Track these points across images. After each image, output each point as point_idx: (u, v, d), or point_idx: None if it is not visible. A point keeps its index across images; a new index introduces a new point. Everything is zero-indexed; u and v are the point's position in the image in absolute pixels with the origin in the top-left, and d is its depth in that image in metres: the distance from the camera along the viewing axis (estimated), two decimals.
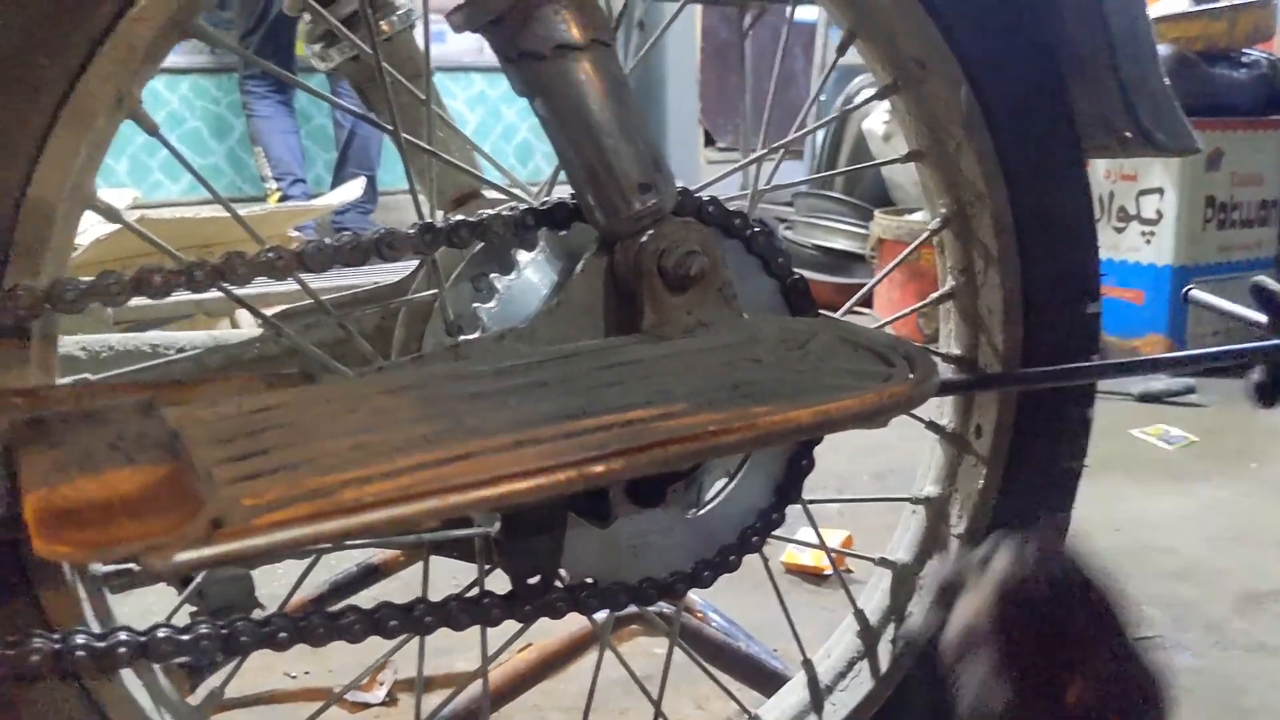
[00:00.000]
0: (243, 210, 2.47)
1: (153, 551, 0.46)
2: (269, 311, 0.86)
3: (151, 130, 0.77)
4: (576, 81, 0.70)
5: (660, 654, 1.63)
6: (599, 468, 0.57)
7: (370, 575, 1.62)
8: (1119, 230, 3.19)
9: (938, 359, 1.02)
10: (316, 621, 0.72)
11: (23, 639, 0.62)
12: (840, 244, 3.78)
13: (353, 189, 3.06)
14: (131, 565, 0.67)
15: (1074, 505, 1.09)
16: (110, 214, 0.77)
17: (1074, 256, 1.05)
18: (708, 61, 5.86)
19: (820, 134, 4.25)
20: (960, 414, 1.08)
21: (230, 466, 0.56)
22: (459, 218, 0.75)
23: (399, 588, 1.55)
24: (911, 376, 0.67)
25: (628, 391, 0.65)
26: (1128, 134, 1.04)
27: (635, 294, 0.73)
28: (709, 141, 5.92)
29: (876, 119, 3.68)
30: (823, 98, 4.49)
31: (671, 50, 5.38)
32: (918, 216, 3.40)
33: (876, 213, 3.54)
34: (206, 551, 0.48)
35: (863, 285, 1.13)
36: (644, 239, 0.72)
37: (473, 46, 5.23)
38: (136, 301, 0.70)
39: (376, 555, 1.58)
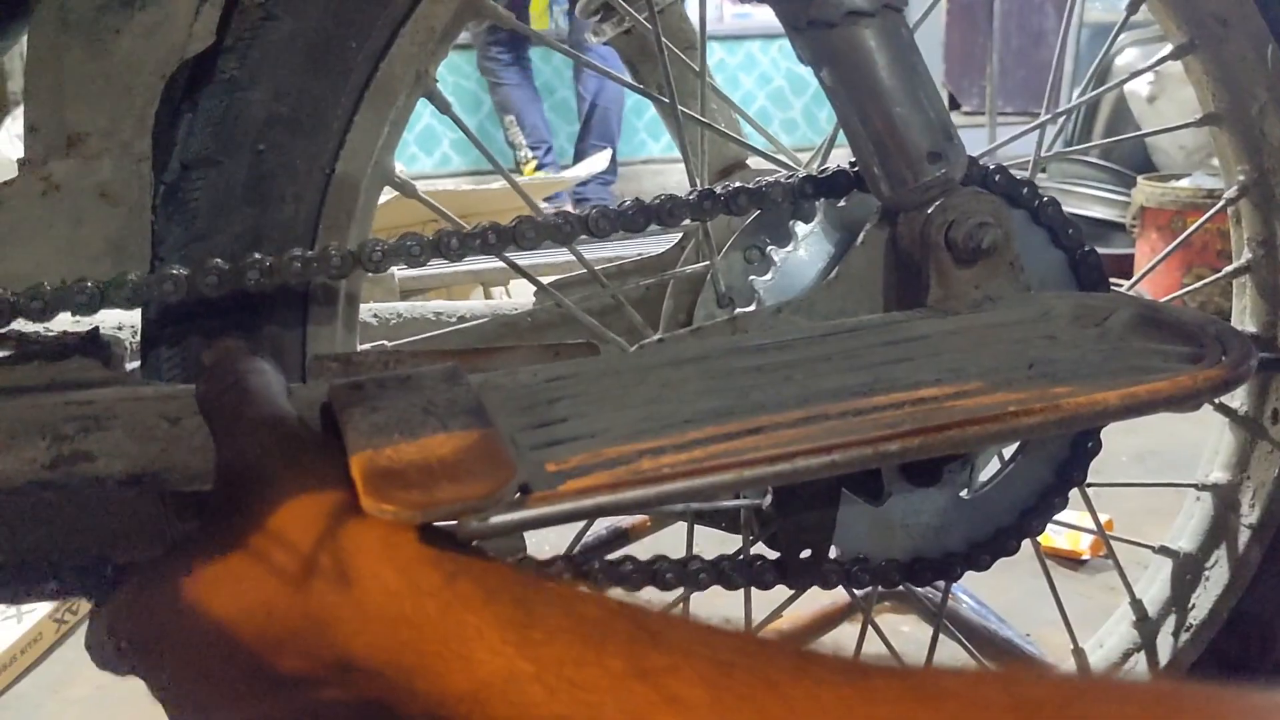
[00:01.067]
0: (494, 183, 2.57)
1: (471, 513, 0.48)
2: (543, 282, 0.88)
3: (444, 109, 0.80)
4: (866, 48, 0.68)
5: (907, 631, 1.60)
6: (894, 446, 0.55)
7: (619, 539, 1.66)
8: None
9: None
10: (598, 568, 0.74)
11: None
12: (1097, 212, 3.58)
13: (599, 160, 3.13)
14: None
15: None
16: (406, 189, 0.81)
17: None
18: (953, 22, 5.65)
19: (1075, 96, 4.03)
20: (1255, 396, 1.01)
21: (531, 433, 0.57)
22: (738, 184, 0.75)
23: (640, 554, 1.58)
24: (1226, 358, 0.62)
25: (917, 368, 0.63)
26: None
27: (920, 267, 0.71)
28: (953, 105, 5.72)
29: (1140, 79, 3.45)
30: (1074, 57, 4.26)
31: (915, 10, 5.22)
32: (1185, 183, 3.17)
33: (1139, 179, 3.33)
34: (518, 515, 0.50)
35: (1123, 255, 1.07)
36: (931, 210, 0.70)
37: (712, 15, 5.22)
38: (434, 263, 0.73)
39: (626, 520, 1.62)
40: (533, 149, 4.37)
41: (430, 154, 5.03)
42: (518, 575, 0.48)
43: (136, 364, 0.73)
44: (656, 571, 0.73)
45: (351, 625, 0.47)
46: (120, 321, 0.90)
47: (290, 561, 0.49)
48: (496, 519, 0.49)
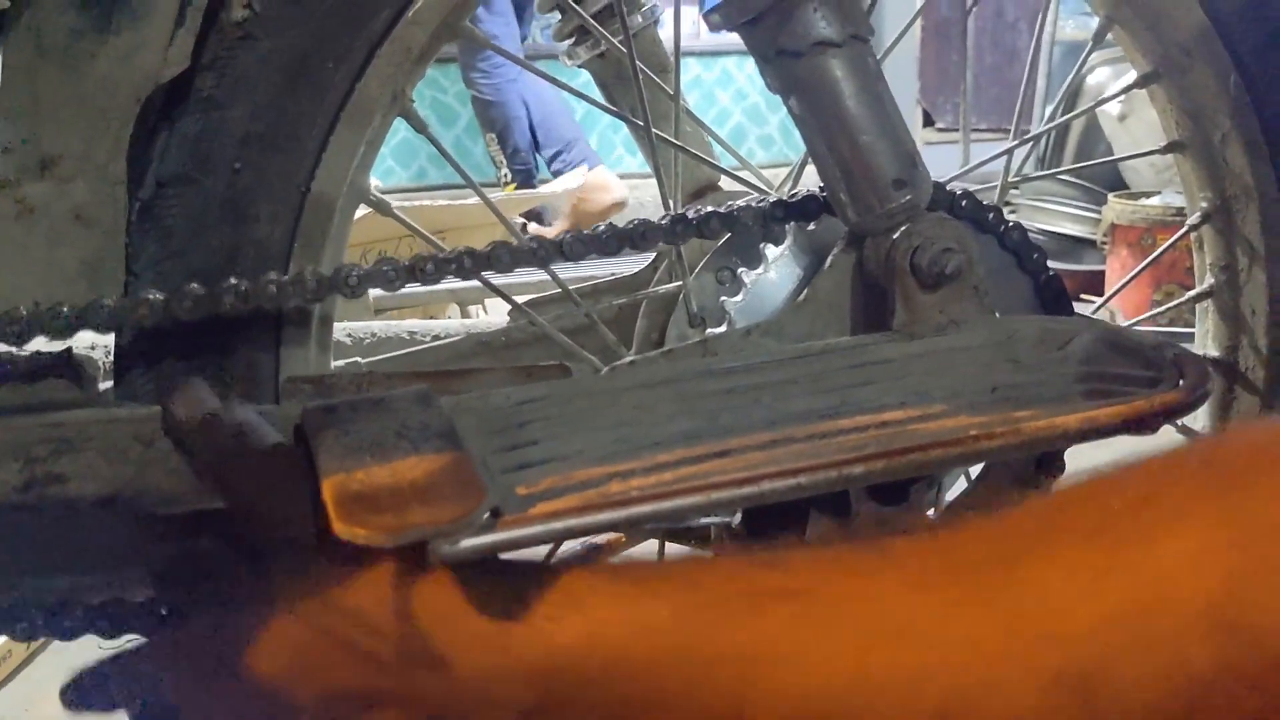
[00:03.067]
0: (470, 199, 2.57)
1: (441, 537, 0.49)
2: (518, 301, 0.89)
3: (420, 128, 0.81)
4: (833, 78, 0.70)
5: None
6: (859, 469, 0.56)
7: (594, 553, 1.66)
8: None
9: None
10: None
11: None
12: (1068, 228, 3.62)
13: (575, 177, 3.14)
14: None
15: None
16: (381, 207, 0.82)
17: None
18: (927, 39, 5.70)
19: (1047, 115, 4.08)
20: (1216, 417, 1.03)
21: (503, 456, 0.58)
22: (710, 209, 0.76)
23: None
24: (1183, 383, 0.64)
25: (882, 391, 0.65)
26: None
27: (886, 291, 0.73)
28: (927, 122, 5.76)
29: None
30: (1047, 75, 4.31)
31: (889, 27, 5.26)
32: (1155, 201, 3.22)
33: (1110, 196, 3.37)
34: (489, 539, 0.50)
35: (1094, 272, 1.09)
36: (897, 236, 0.72)
37: (688, 32, 5.24)
38: (410, 287, 0.74)
39: (602, 536, 1.62)
40: (516, 169, 4.28)
41: (407, 168, 5.03)
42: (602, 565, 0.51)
43: (110, 384, 0.73)
44: None
45: (453, 663, 0.48)
46: (94, 342, 0.90)
47: (377, 647, 0.49)
48: (467, 543, 0.50)
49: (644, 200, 4.27)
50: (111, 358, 0.74)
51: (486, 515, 0.51)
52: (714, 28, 0.72)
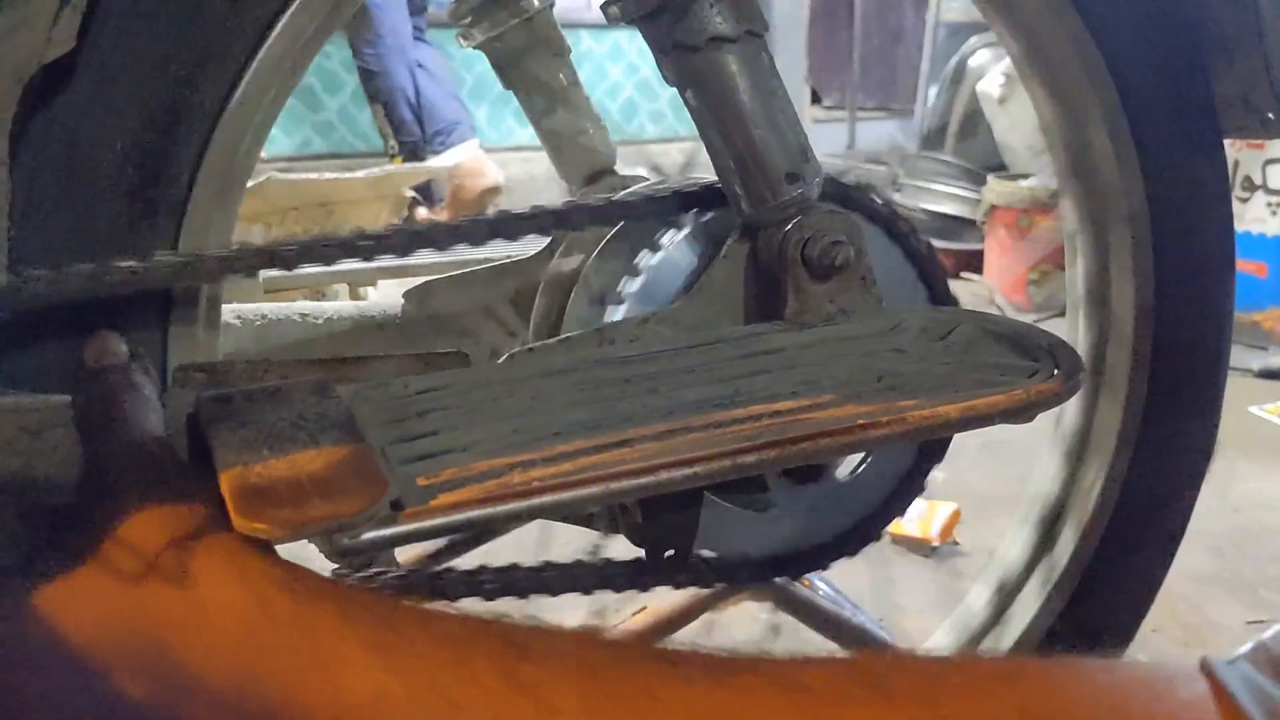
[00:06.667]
0: (360, 171, 2.53)
1: (343, 531, 0.49)
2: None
3: None
4: (728, 73, 0.71)
5: (766, 619, 1.66)
6: (751, 458, 0.58)
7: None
8: (1243, 200, 3.08)
9: None
10: (455, 577, 0.75)
11: None
12: (950, 209, 3.72)
13: (466, 150, 3.11)
14: None
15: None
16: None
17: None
18: (815, 17, 5.77)
19: (931, 95, 4.18)
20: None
21: (402, 447, 0.59)
22: (570, 201, 0.77)
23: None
24: (1058, 371, 0.67)
25: (774, 381, 0.67)
26: (1270, 115, 1.03)
27: (778, 281, 0.74)
28: (815, 99, 5.84)
29: (993, 81, 3.60)
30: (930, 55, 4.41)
31: (779, 5, 5.31)
32: (1031, 182, 3.33)
33: (989, 178, 3.48)
34: (390, 531, 0.51)
35: (974, 251, 1.13)
36: (789, 228, 0.73)
37: (579, 3, 5.20)
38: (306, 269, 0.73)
39: None
40: (403, 141, 4.19)
41: (292, 136, 4.90)
42: (374, 596, 0.48)
43: None
44: (511, 580, 0.76)
45: (188, 628, 0.45)
46: None
47: (130, 564, 0.46)
48: (368, 535, 0.50)
49: (535, 174, 4.24)
50: None
51: (388, 508, 0.52)
52: (612, 20, 0.73)
